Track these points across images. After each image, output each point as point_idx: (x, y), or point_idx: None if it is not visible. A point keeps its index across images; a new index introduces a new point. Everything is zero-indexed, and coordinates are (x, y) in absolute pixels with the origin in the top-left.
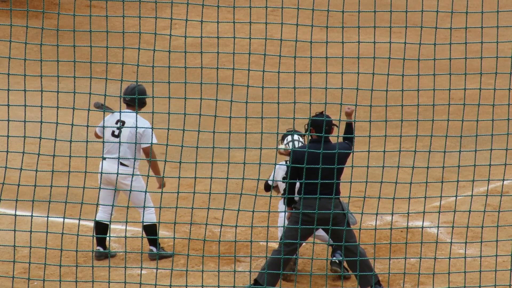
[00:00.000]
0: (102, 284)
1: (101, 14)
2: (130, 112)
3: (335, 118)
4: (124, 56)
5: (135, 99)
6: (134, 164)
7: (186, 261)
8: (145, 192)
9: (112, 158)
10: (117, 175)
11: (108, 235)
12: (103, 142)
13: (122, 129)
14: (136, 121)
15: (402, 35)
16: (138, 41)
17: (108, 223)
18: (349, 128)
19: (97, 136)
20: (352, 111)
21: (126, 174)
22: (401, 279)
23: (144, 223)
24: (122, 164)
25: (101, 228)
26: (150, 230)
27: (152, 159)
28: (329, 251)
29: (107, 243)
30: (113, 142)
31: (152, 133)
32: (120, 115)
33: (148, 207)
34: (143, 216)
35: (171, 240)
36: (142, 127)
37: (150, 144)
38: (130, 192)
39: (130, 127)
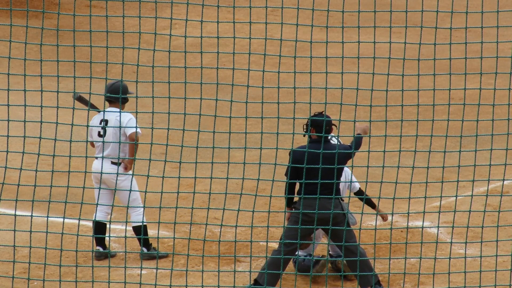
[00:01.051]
0: (102, 284)
1: (101, 14)
2: (113, 110)
3: (334, 118)
4: (124, 56)
5: (115, 97)
6: (118, 162)
7: (186, 261)
8: (130, 191)
9: (101, 157)
10: (102, 174)
11: (106, 235)
12: (87, 141)
13: (106, 129)
14: (120, 119)
15: (402, 35)
16: (138, 41)
17: (106, 222)
18: (358, 140)
19: (92, 144)
20: (366, 128)
21: (120, 173)
22: (401, 279)
23: (133, 224)
24: (112, 163)
25: (99, 228)
26: (139, 231)
27: (134, 142)
28: (328, 252)
29: (106, 242)
30: (100, 142)
31: (135, 122)
32: (104, 114)
33: (135, 207)
34: (131, 217)
35: (171, 240)
36: (126, 119)
37: (134, 131)
38: (120, 191)
39: (113, 126)
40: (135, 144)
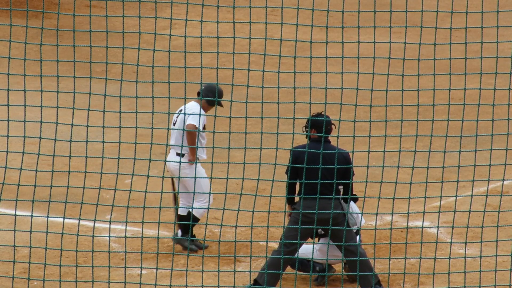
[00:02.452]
0: (102, 284)
1: (101, 14)
2: (190, 103)
3: (334, 118)
4: (124, 56)
5: (204, 94)
6: (181, 153)
7: (186, 261)
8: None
9: (171, 148)
10: (170, 166)
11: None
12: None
13: (177, 120)
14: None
15: (402, 35)
16: (138, 41)
17: (189, 209)
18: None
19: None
20: None
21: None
22: (401, 279)
23: (193, 212)
24: (177, 154)
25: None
26: (187, 219)
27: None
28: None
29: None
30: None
31: (198, 119)
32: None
33: (198, 195)
34: (194, 203)
35: (171, 240)
36: (190, 111)
37: (191, 122)
38: (184, 182)
39: (181, 116)
40: (194, 134)
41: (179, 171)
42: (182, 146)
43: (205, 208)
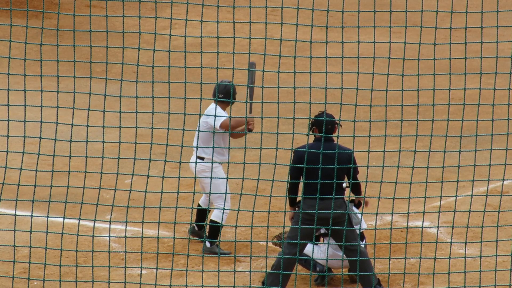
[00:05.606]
0: (102, 284)
1: (101, 14)
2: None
3: (334, 119)
4: (124, 56)
5: (221, 95)
6: (196, 152)
7: (186, 261)
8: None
9: (194, 151)
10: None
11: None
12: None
13: (199, 123)
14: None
15: (402, 35)
16: (138, 41)
17: (206, 209)
18: (359, 187)
19: None
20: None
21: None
22: (401, 279)
23: (211, 217)
24: (199, 157)
25: (199, 212)
26: (212, 226)
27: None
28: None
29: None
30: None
31: (218, 118)
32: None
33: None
34: (213, 210)
35: (171, 240)
36: (211, 115)
37: (221, 121)
38: (204, 185)
39: (203, 120)
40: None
41: (202, 173)
42: (197, 147)
43: (223, 212)
